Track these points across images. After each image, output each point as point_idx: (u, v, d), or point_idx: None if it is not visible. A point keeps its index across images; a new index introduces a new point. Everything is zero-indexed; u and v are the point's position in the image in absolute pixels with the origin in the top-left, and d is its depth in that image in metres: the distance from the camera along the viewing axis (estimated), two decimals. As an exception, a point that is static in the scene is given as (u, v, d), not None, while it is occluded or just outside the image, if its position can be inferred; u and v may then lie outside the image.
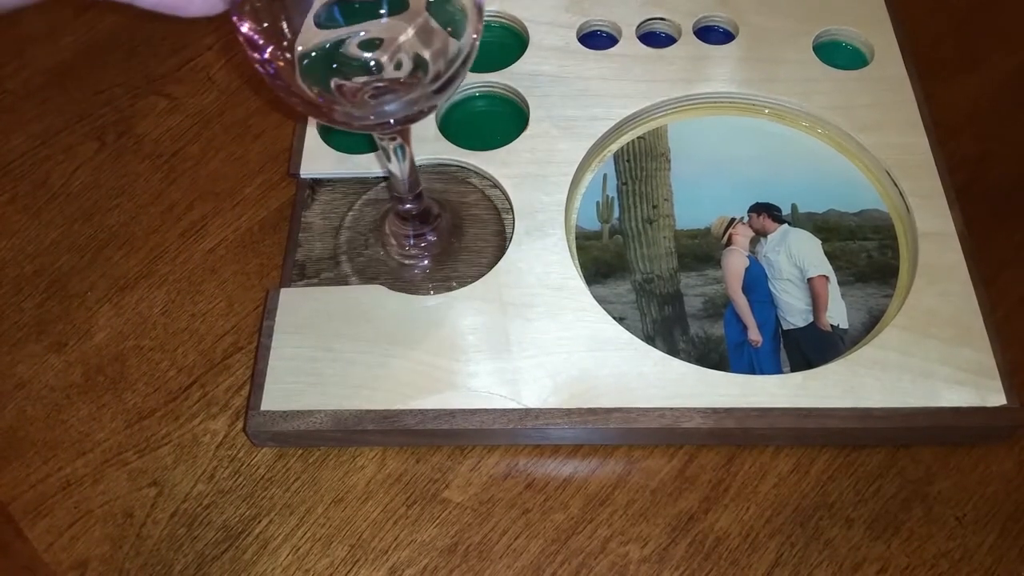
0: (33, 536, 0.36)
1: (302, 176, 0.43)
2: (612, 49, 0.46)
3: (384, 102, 0.31)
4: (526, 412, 0.35)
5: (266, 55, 0.29)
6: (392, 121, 0.31)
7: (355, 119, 0.31)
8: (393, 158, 0.35)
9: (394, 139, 0.34)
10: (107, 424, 0.38)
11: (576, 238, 0.41)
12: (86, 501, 0.36)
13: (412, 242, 0.40)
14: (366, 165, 0.43)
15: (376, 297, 0.38)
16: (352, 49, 0.31)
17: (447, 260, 0.40)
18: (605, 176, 0.43)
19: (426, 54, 0.31)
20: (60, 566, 0.35)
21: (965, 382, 0.36)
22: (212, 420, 0.38)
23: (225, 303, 0.41)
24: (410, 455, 0.37)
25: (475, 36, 0.31)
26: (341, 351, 0.37)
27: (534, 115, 0.44)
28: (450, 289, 0.39)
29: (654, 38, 0.47)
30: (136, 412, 0.38)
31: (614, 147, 0.44)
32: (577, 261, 0.40)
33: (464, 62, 0.31)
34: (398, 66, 0.31)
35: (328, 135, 0.44)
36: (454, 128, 0.44)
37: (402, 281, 0.40)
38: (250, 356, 0.40)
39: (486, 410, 0.35)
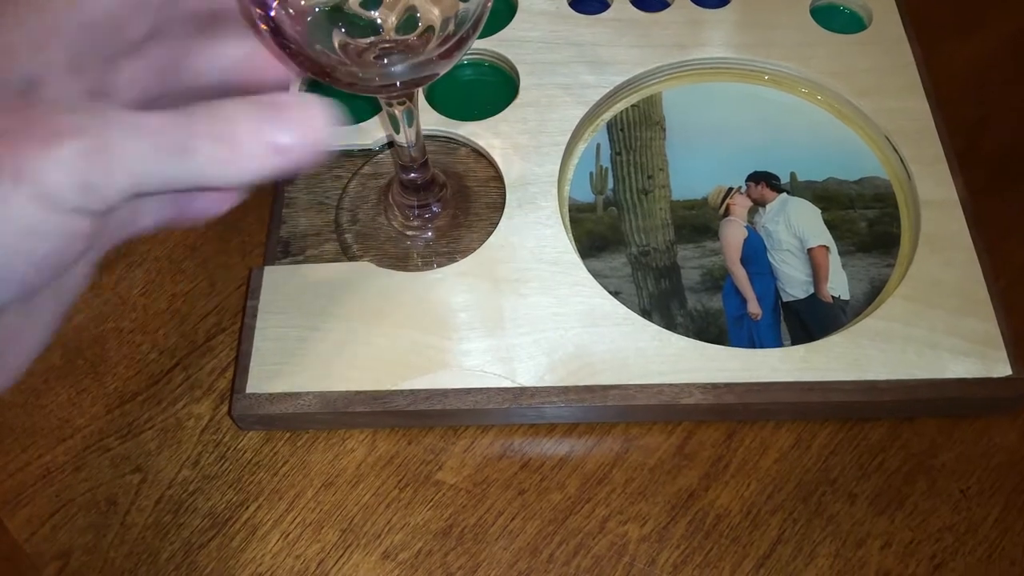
0: (13, 526, 0.34)
1: (284, 150, 0.41)
2: (604, 14, 0.45)
3: (391, 63, 0.30)
4: (521, 391, 0.34)
5: (271, 11, 0.28)
6: (399, 84, 0.30)
7: (360, 80, 0.30)
8: (400, 125, 0.34)
9: (402, 104, 0.33)
10: (88, 409, 0.37)
11: (569, 210, 0.40)
12: (68, 489, 0.35)
13: (416, 212, 0.39)
14: (352, 137, 0.41)
15: (364, 274, 0.37)
16: (358, 7, 0.29)
17: (452, 231, 0.39)
18: (598, 146, 0.42)
19: (435, 14, 0.29)
20: (42, 557, 0.34)
21: (970, 353, 0.35)
22: (196, 404, 0.37)
23: (207, 283, 0.40)
24: (402, 436, 0.36)
25: None
26: (329, 330, 0.36)
27: (524, 83, 0.42)
28: (454, 261, 0.37)
29: (647, 2, 0.45)
30: (117, 396, 0.37)
31: (607, 116, 0.42)
32: (571, 234, 0.39)
33: (475, 24, 0.30)
34: (405, 26, 0.29)
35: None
36: (441, 98, 0.42)
37: (405, 252, 0.39)
38: (234, 337, 0.38)
39: (480, 389, 0.34)
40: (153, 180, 0.22)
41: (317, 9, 0.29)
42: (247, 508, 0.34)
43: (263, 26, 0.29)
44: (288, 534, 0.34)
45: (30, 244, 0.21)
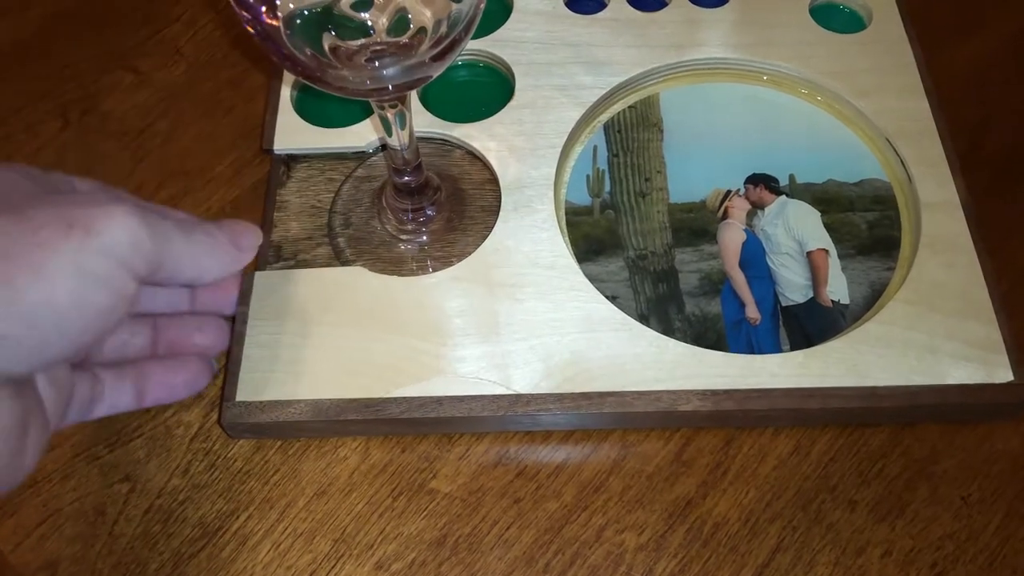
0: None
1: (276, 152, 0.40)
2: (601, 13, 0.44)
3: (382, 66, 0.29)
4: (516, 398, 0.34)
5: (262, 15, 0.27)
6: (390, 87, 0.30)
7: (350, 84, 0.29)
8: (393, 128, 0.33)
9: (394, 107, 0.32)
10: (76, 417, 0.36)
11: (566, 213, 0.39)
12: (55, 499, 0.34)
13: (410, 216, 0.38)
14: (344, 139, 0.40)
15: (357, 279, 0.37)
16: (348, 9, 0.29)
17: (447, 235, 0.39)
18: (595, 148, 0.41)
19: (427, 15, 0.29)
20: (28, 567, 0.33)
21: (971, 358, 0.34)
22: (185, 411, 0.36)
23: (198, 287, 0.39)
24: (395, 444, 0.35)
25: None
26: (321, 337, 0.35)
27: (520, 84, 0.41)
28: (448, 266, 0.37)
29: (645, 1, 0.45)
30: (106, 404, 0.37)
31: (604, 117, 0.42)
32: (567, 238, 0.38)
33: (468, 25, 0.29)
34: (396, 28, 0.29)
35: (303, 108, 0.42)
36: (435, 99, 0.42)
37: (399, 256, 0.38)
38: (225, 343, 0.38)
39: (475, 396, 0.34)
40: (168, 253, 0.27)
41: (306, 12, 0.29)
42: (237, 518, 0.34)
43: (250, 28, 0.28)
44: (279, 544, 0.33)
45: (94, 294, 0.25)
